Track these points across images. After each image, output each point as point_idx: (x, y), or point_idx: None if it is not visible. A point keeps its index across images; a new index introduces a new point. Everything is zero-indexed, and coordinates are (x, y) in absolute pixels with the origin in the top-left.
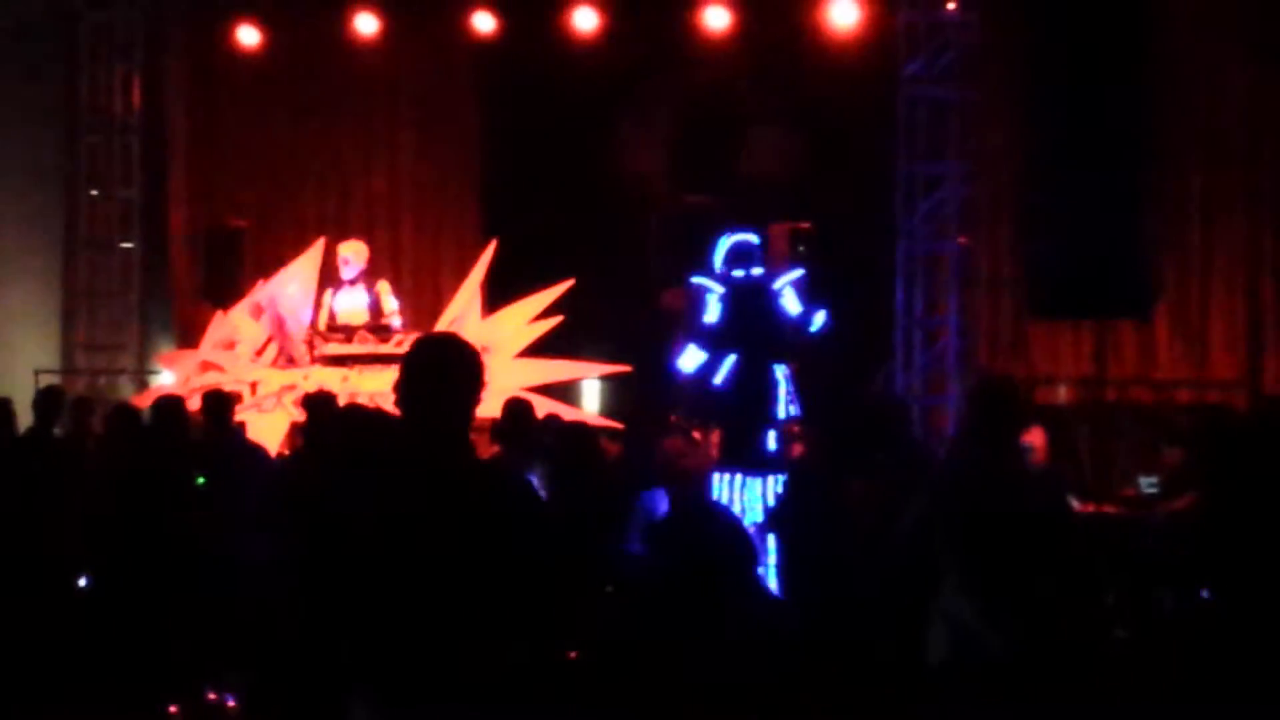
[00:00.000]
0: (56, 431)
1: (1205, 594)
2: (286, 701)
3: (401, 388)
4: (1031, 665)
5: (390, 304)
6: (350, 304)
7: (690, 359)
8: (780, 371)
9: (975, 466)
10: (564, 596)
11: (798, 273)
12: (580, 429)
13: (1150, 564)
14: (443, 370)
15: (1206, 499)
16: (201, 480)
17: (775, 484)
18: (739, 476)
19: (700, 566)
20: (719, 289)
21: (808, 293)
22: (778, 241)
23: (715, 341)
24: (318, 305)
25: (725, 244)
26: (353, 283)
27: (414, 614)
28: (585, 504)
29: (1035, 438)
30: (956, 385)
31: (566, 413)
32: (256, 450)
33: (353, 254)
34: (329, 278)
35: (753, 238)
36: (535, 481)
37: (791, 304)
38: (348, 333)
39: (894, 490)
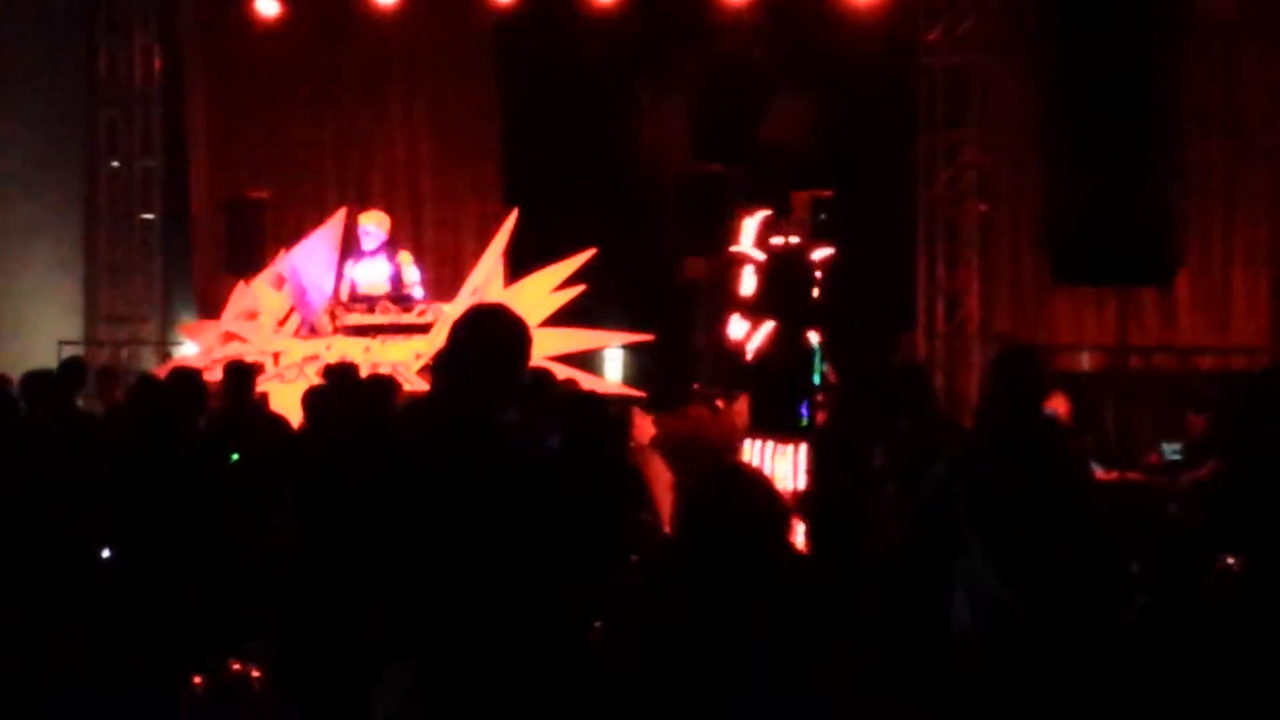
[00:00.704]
0: (79, 403)
1: (1229, 560)
2: (312, 672)
3: (449, 354)
4: (1053, 632)
5: (412, 274)
6: (371, 274)
7: (736, 329)
8: (814, 340)
9: (996, 433)
10: (591, 567)
11: (829, 251)
12: (590, 397)
13: (1174, 530)
14: (491, 339)
15: (1229, 465)
16: (235, 456)
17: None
18: (771, 444)
19: (730, 531)
20: (758, 257)
21: (830, 261)
22: (799, 210)
23: (753, 310)
24: (339, 275)
25: (753, 221)
26: (374, 253)
27: (450, 583)
28: (602, 472)
29: (1058, 405)
30: (979, 352)
31: (587, 382)
32: (278, 421)
33: (374, 224)
34: (350, 248)
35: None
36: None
37: (823, 274)
38: (369, 303)
39: (915, 456)
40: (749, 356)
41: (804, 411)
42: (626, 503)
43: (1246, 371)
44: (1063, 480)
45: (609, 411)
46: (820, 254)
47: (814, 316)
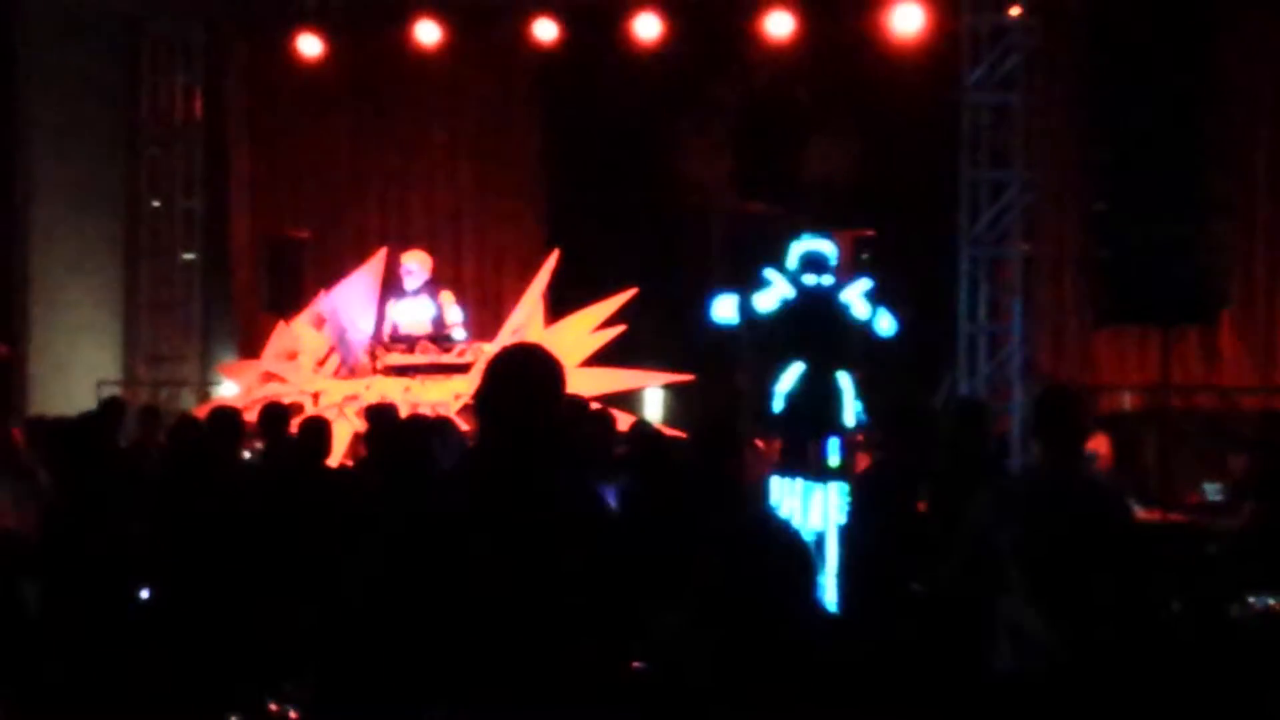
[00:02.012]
0: (120, 443)
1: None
2: (349, 713)
3: (483, 396)
4: (1094, 673)
5: (454, 315)
6: (414, 314)
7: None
8: (845, 380)
9: (1037, 474)
10: (633, 607)
11: (867, 284)
12: (656, 435)
13: (1215, 572)
14: (525, 380)
15: (1266, 507)
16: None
17: (836, 492)
18: (799, 483)
19: (757, 578)
20: (788, 290)
21: (872, 300)
22: (841, 249)
23: (780, 349)
24: (380, 315)
25: (798, 249)
26: (416, 293)
27: (489, 622)
28: (654, 512)
29: (1099, 445)
30: (1020, 393)
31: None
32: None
33: (417, 264)
34: (391, 288)
35: (827, 245)
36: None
37: (860, 311)
38: (409, 343)
39: (960, 496)
40: (779, 396)
41: (832, 452)
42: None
43: None
44: (1105, 521)
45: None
46: (854, 290)
47: (845, 357)
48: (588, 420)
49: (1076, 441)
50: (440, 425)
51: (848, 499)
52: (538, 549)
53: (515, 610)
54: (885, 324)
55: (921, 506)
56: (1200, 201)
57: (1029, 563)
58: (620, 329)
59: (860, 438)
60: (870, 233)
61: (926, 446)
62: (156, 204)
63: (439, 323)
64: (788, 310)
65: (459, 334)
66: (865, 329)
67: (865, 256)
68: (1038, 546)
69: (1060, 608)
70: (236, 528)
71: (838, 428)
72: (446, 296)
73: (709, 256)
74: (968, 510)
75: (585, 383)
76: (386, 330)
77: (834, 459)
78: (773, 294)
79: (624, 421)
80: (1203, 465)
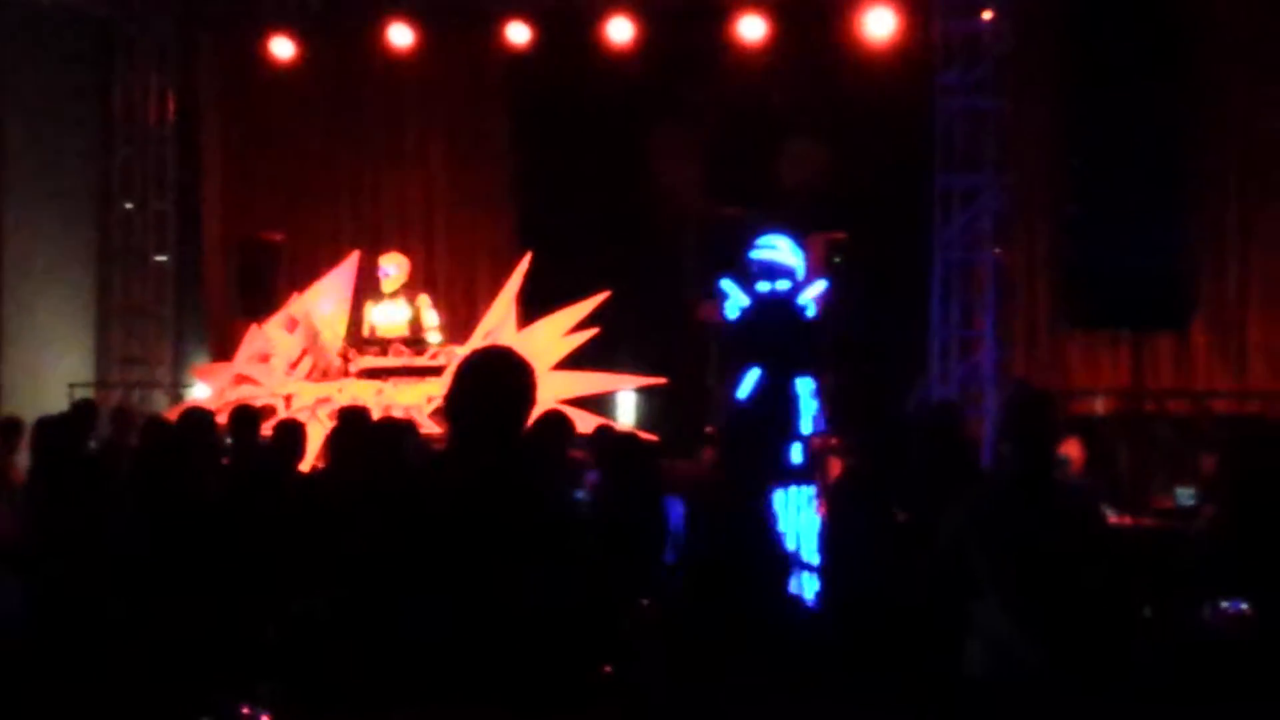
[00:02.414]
0: (91, 445)
1: (1237, 605)
2: (322, 716)
3: (452, 399)
4: (1067, 679)
5: (430, 318)
6: (390, 317)
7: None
8: (803, 385)
9: (1009, 478)
10: (601, 610)
11: (821, 285)
12: (630, 439)
13: (1186, 576)
14: (495, 383)
15: (1228, 507)
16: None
17: (798, 495)
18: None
19: (731, 573)
20: (743, 299)
21: (842, 303)
22: (813, 252)
23: (737, 354)
24: (356, 318)
25: (754, 254)
26: (393, 296)
27: (460, 625)
28: (626, 515)
29: (1071, 449)
30: (993, 397)
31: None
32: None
33: (394, 267)
34: (368, 290)
35: (784, 246)
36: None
37: (812, 314)
38: (382, 346)
39: (936, 500)
40: (737, 401)
41: (791, 457)
42: (656, 544)
43: (1260, 415)
44: (1078, 525)
45: (647, 451)
46: (810, 293)
47: (802, 361)
48: (541, 422)
49: (1048, 444)
50: (403, 427)
51: (817, 504)
52: (509, 551)
53: (487, 613)
54: (815, 288)
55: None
56: (1172, 206)
57: (1001, 567)
58: (593, 332)
59: (832, 441)
60: (842, 236)
61: (897, 452)
62: (129, 206)
63: (415, 325)
64: (743, 317)
65: (435, 337)
66: (826, 334)
67: (838, 260)
68: (1010, 550)
69: (1033, 612)
70: (208, 529)
71: (795, 433)
72: (423, 299)
73: (682, 260)
74: (941, 515)
75: (558, 386)
76: (366, 331)
77: (795, 460)
78: (730, 303)
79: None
80: (1175, 470)
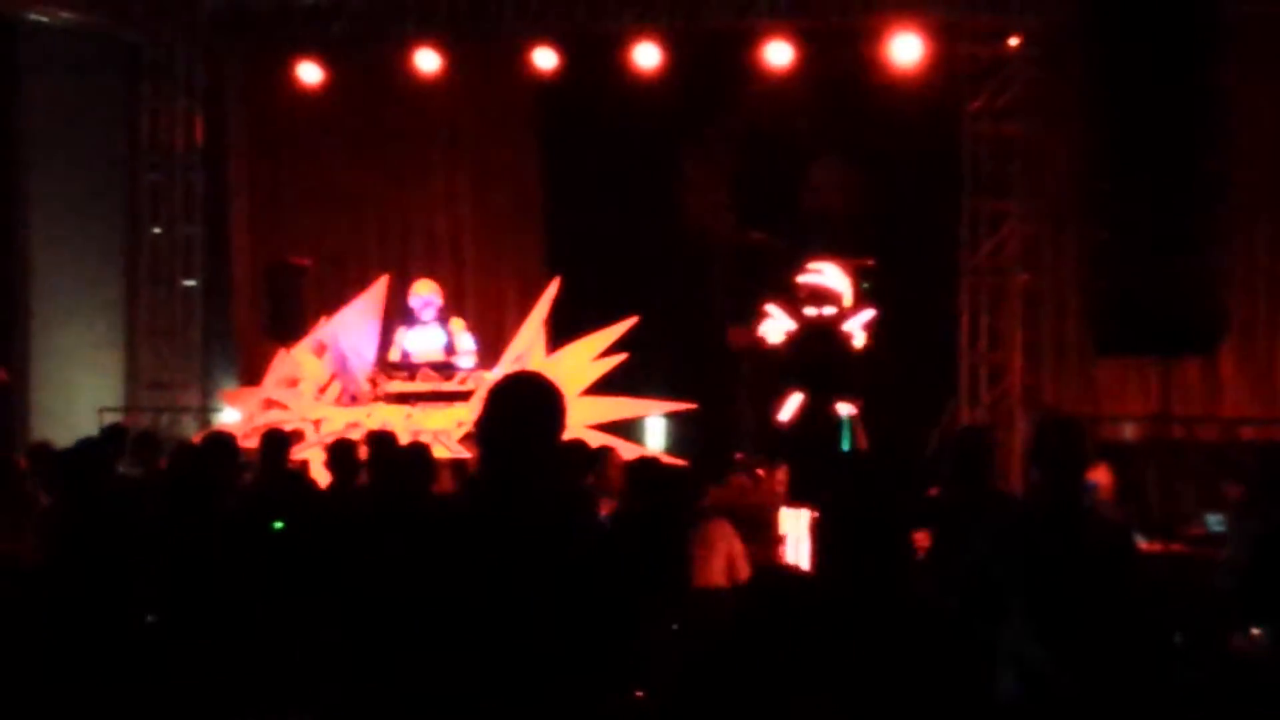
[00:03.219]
0: (120, 469)
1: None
2: None
3: (484, 424)
4: (1098, 706)
5: (464, 343)
6: (425, 342)
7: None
8: (844, 410)
9: (1039, 503)
10: (635, 636)
11: (869, 314)
12: (654, 465)
13: (1216, 602)
14: (526, 408)
15: (1263, 533)
16: (279, 525)
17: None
18: (807, 513)
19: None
20: (788, 323)
21: (871, 328)
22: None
23: (781, 378)
24: (386, 342)
25: (802, 279)
26: (428, 321)
27: (491, 650)
28: (656, 541)
29: (1101, 476)
30: (1022, 421)
31: (629, 450)
32: (315, 489)
33: (428, 293)
34: (396, 315)
35: (833, 273)
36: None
37: (858, 342)
38: (411, 370)
39: (963, 524)
40: (780, 426)
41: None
42: (680, 569)
43: None
44: (1107, 551)
45: (672, 478)
46: (857, 321)
47: (845, 387)
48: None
49: (1077, 471)
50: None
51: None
52: (539, 577)
53: (519, 638)
54: (865, 316)
55: (921, 538)
56: (1201, 231)
57: (1030, 592)
58: (622, 357)
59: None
60: (870, 262)
61: (917, 475)
62: (157, 230)
63: (450, 350)
64: (789, 341)
65: (467, 361)
66: (867, 360)
67: (866, 286)
68: (1039, 576)
69: (1062, 638)
70: (236, 555)
71: (838, 457)
72: (457, 324)
73: (710, 285)
74: (970, 539)
75: (586, 411)
76: (398, 355)
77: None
78: (775, 326)
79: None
80: (1204, 495)
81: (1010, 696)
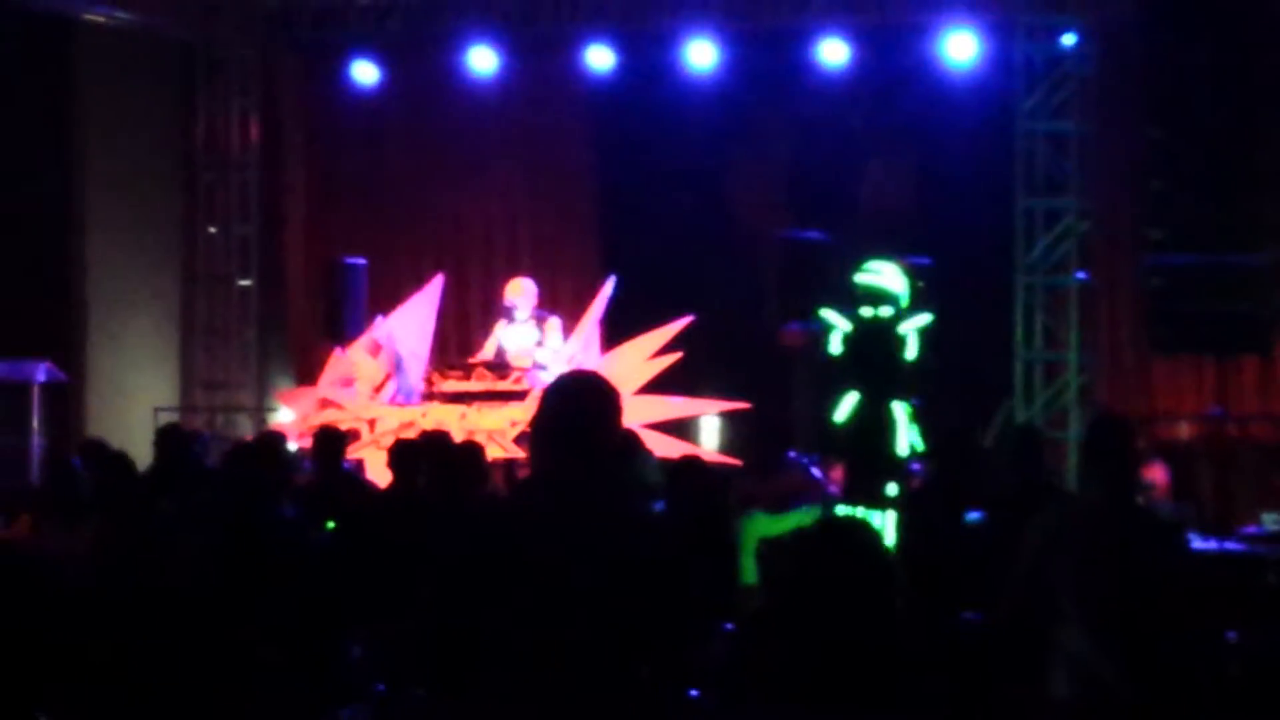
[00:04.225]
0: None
1: None
2: None
3: (538, 424)
4: (1151, 702)
5: (551, 342)
6: (520, 340)
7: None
8: (899, 410)
9: (1093, 502)
10: (694, 634)
11: (927, 318)
12: (695, 463)
13: (1273, 601)
14: (581, 408)
15: None
16: (331, 524)
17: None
18: (861, 511)
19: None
20: (846, 325)
21: (929, 330)
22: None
23: (837, 378)
24: (433, 342)
25: (860, 279)
26: (525, 320)
27: (551, 652)
28: (704, 539)
29: (1156, 474)
30: (1077, 422)
31: (684, 450)
32: (371, 488)
33: (519, 296)
34: (494, 312)
35: (890, 272)
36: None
37: (913, 347)
38: (465, 370)
39: (1017, 522)
40: (835, 426)
41: (890, 482)
42: (728, 568)
43: None
44: (1160, 550)
45: (715, 477)
46: (913, 323)
47: (901, 388)
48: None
49: (1129, 470)
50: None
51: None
52: (595, 579)
53: (579, 640)
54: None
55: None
56: (1256, 230)
57: (1084, 591)
58: (676, 356)
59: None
60: (925, 261)
61: (972, 467)
62: (213, 230)
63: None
64: (845, 342)
65: (544, 358)
66: (922, 361)
67: (920, 284)
68: (1093, 575)
69: (1116, 637)
70: (291, 555)
71: (892, 458)
72: (552, 323)
73: (764, 284)
74: (1024, 538)
75: (641, 410)
76: (492, 351)
77: (892, 488)
78: (831, 328)
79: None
80: (1260, 494)
81: (1064, 694)
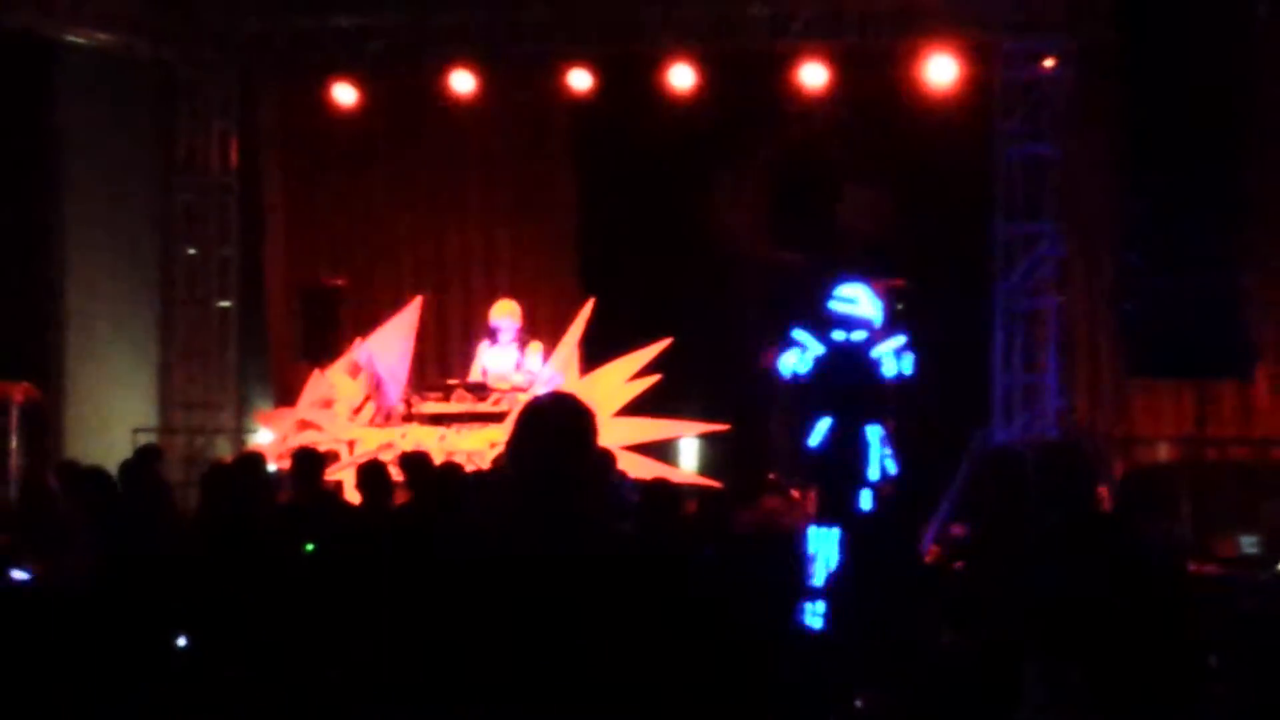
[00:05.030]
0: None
1: None
2: None
3: (514, 445)
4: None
5: (530, 364)
6: (501, 362)
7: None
8: (874, 433)
9: (1074, 525)
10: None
11: (899, 340)
12: (663, 486)
13: (1251, 625)
14: (556, 429)
15: None
16: (310, 547)
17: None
18: (834, 533)
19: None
20: (816, 348)
21: (903, 350)
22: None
23: (808, 402)
24: (419, 363)
25: (833, 303)
26: (505, 342)
27: (526, 674)
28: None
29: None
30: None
31: (662, 472)
32: (349, 509)
33: (505, 318)
34: (473, 333)
35: (862, 294)
36: None
37: (889, 368)
38: (445, 391)
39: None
40: (807, 449)
41: (860, 503)
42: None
43: None
44: (1143, 572)
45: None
46: (888, 345)
47: (874, 411)
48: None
49: (1079, 494)
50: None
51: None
52: (569, 598)
53: (552, 663)
54: (904, 363)
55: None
56: (1234, 254)
57: (1063, 613)
58: (655, 379)
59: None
60: (903, 283)
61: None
62: (192, 251)
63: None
64: (818, 365)
65: (519, 379)
66: (896, 384)
67: (899, 307)
68: (1074, 597)
69: (1098, 661)
70: (270, 575)
71: (865, 480)
72: (534, 346)
73: (744, 306)
74: (1005, 562)
75: (620, 432)
76: (476, 374)
77: (864, 506)
78: (805, 354)
79: (664, 473)
80: (1238, 517)
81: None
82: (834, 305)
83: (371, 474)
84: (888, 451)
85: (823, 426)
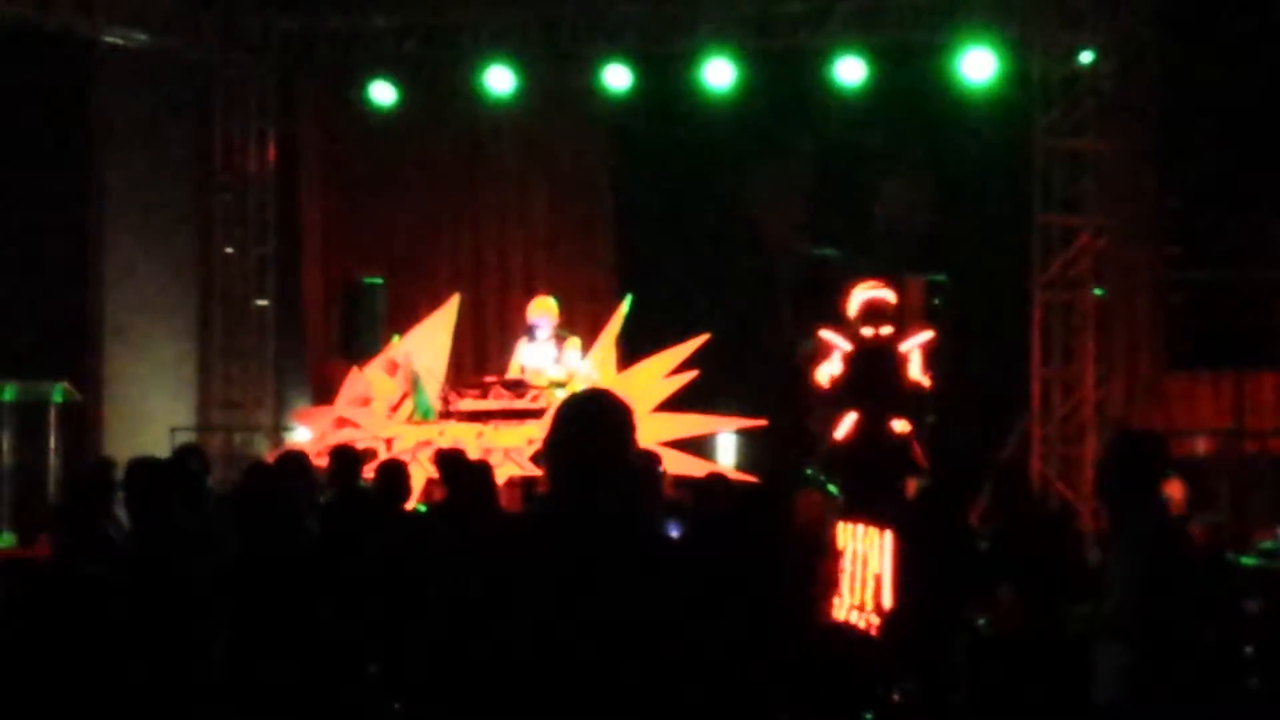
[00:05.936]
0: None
1: None
2: None
3: (551, 442)
4: (1193, 703)
5: (568, 360)
6: (539, 358)
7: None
8: (900, 427)
9: (1112, 518)
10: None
11: (927, 335)
12: (712, 482)
13: None
14: (594, 426)
15: None
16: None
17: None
18: (863, 529)
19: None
20: (845, 346)
21: (943, 346)
22: (912, 294)
23: (837, 398)
24: (450, 360)
25: (857, 299)
26: (541, 338)
27: (563, 676)
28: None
29: (1173, 490)
30: (1094, 438)
31: (701, 467)
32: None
33: (541, 315)
34: (511, 331)
35: (887, 294)
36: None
37: (915, 366)
38: (483, 388)
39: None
40: (835, 444)
41: (892, 499)
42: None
43: None
44: (1179, 564)
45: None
46: (915, 342)
47: (901, 406)
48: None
49: (1151, 485)
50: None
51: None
52: (608, 596)
53: (593, 664)
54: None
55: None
56: (1274, 245)
57: (1112, 606)
58: (693, 374)
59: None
60: (942, 278)
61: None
62: (230, 250)
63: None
64: (846, 361)
65: (558, 374)
66: (924, 380)
67: (937, 301)
68: (1119, 589)
69: (1146, 645)
70: (312, 573)
71: (892, 475)
72: (572, 342)
73: (781, 302)
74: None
75: (658, 428)
76: (515, 371)
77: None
78: (832, 351)
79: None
80: (1277, 509)
81: (1109, 697)
82: (860, 299)
83: (389, 474)
84: (914, 446)
85: (848, 421)
